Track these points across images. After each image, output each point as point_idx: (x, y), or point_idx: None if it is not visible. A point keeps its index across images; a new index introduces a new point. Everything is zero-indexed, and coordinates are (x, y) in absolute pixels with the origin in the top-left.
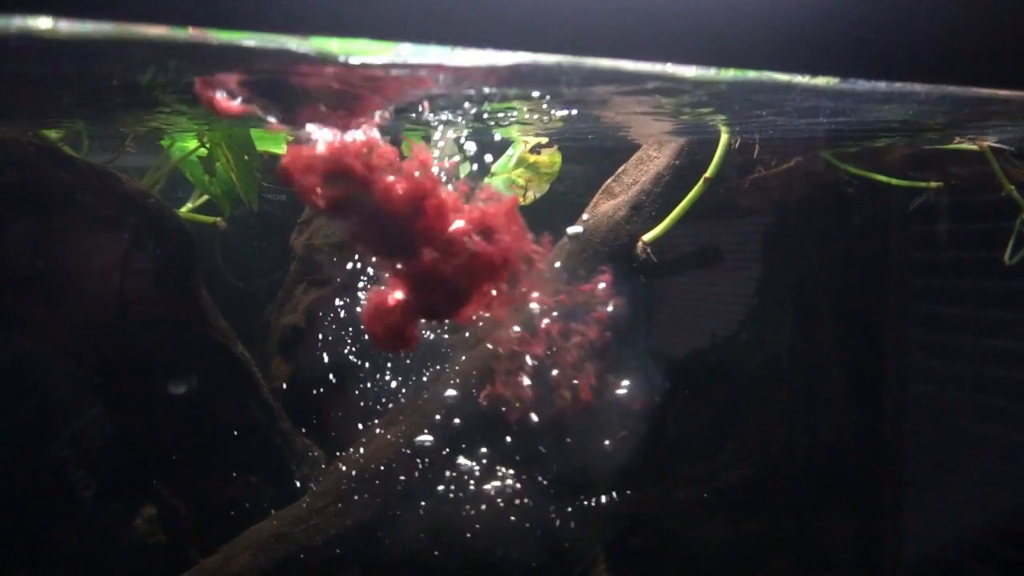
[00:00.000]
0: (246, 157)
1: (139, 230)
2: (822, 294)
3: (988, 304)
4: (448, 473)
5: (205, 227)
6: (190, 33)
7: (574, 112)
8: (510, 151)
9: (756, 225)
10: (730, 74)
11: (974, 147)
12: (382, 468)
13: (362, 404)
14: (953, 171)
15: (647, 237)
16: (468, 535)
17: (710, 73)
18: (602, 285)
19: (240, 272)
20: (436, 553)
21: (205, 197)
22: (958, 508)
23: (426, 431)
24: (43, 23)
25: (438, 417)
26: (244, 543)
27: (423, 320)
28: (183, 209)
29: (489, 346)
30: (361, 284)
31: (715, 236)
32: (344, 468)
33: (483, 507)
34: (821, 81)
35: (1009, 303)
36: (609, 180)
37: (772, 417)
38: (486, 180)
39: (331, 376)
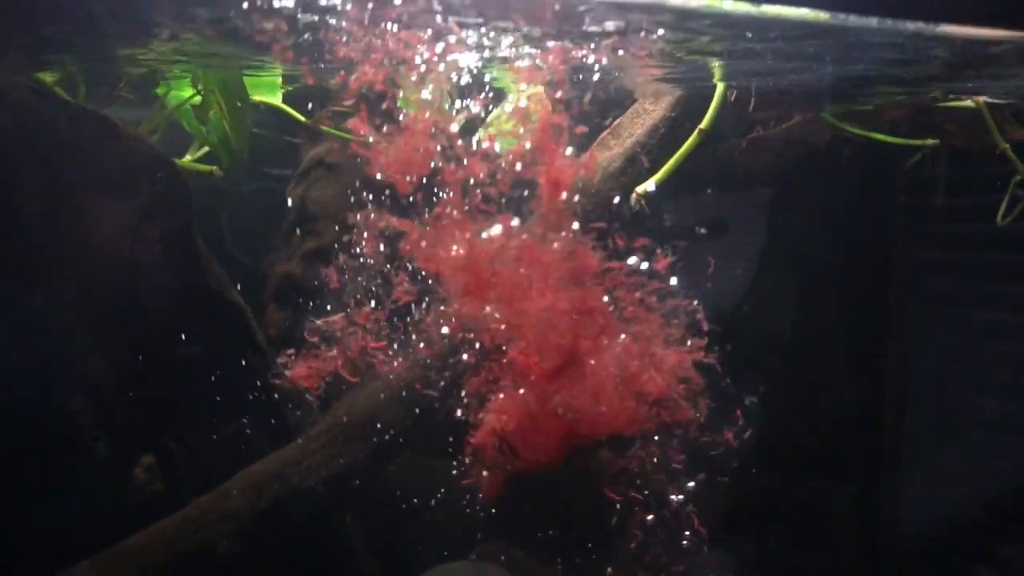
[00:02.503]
0: (238, 104)
1: (133, 174)
2: (824, 262)
3: (990, 277)
4: (443, 418)
5: (213, 204)
6: None
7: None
8: (505, 103)
9: (754, 189)
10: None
11: (970, 103)
12: (376, 412)
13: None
14: (949, 129)
15: (641, 189)
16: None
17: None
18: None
19: (248, 249)
20: (429, 497)
21: (205, 150)
22: (957, 481)
23: (421, 376)
24: None
25: (433, 362)
26: (238, 483)
27: None
28: (182, 160)
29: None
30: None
31: (713, 202)
32: (338, 412)
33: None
34: (811, 15)
35: (1013, 276)
36: (604, 133)
37: (773, 388)
38: (480, 132)
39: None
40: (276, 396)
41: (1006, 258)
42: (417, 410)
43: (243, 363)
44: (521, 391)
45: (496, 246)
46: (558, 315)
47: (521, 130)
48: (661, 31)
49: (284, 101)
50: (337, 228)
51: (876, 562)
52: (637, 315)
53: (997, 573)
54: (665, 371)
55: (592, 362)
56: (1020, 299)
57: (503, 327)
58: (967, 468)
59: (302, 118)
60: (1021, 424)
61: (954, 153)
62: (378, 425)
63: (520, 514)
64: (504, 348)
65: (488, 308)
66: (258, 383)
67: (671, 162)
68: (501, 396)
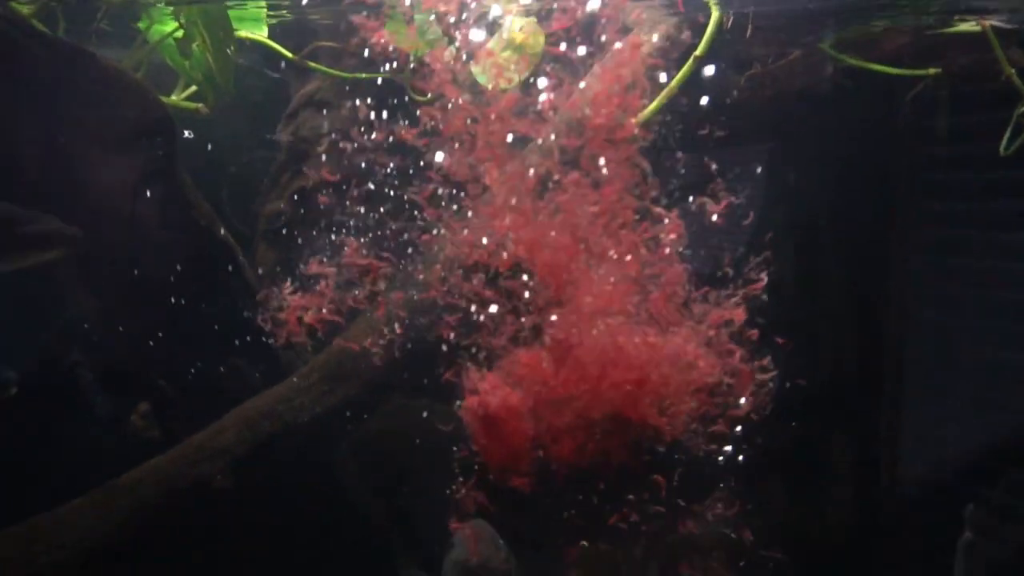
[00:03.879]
0: (221, 35)
1: (116, 108)
2: (826, 207)
3: (996, 225)
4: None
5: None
6: None
7: None
8: (497, 34)
9: (753, 128)
10: None
11: (975, 27)
12: (369, 350)
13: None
14: (953, 57)
15: (637, 118)
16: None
17: None
18: None
19: (245, 217)
20: (421, 436)
21: (192, 89)
22: (956, 429)
23: (413, 313)
24: None
25: (426, 300)
26: (231, 420)
27: None
28: (168, 98)
29: None
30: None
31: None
32: (331, 350)
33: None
34: None
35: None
36: (599, 63)
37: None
38: (473, 66)
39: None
40: (268, 335)
41: (1010, 205)
42: (406, 352)
43: (233, 301)
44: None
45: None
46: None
47: (513, 64)
48: None
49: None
50: (328, 167)
51: (875, 511)
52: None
53: (995, 520)
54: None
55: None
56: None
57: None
58: (967, 417)
59: (289, 55)
60: (1021, 373)
61: (958, 98)
62: (368, 365)
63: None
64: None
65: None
66: (249, 321)
67: (665, 91)
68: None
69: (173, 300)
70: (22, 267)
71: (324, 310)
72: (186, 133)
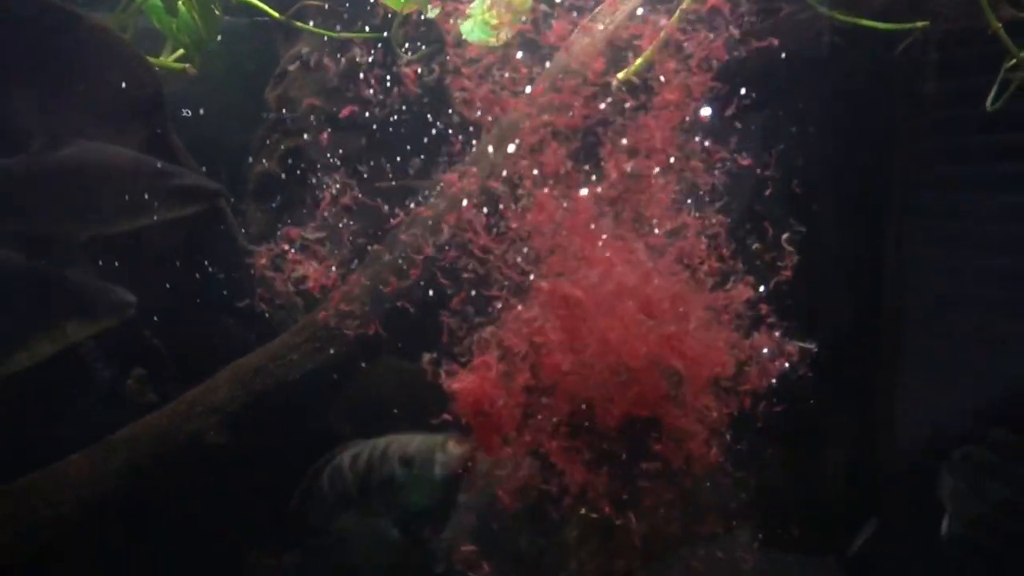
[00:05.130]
0: None
1: (101, 66)
2: (821, 171)
3: (993, 193)
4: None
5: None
6: None
7: None
8: None
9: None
10: None
11: None
12: (360, 309)
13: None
14: (938, 9)
15: (621, 75)
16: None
17: None
18: None
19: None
20: (411, 393)
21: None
22: (952, 396)
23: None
24: None
25: (412, 261)
26: (224, 377)
27: None
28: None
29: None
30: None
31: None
32: (323, 309)
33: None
34: None
35: (1015, 189)
36: (584, 19)
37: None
38: (460, 23)
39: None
40: (260, 294)
41: (1007, 168)
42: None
43: (224, 261)
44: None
45: None
46: None
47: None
48: None
49: None
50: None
51: (871, 479)
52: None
53: (981, 472)
54: None
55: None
56: (1019, 212)
57: None
58: (963, 384)
59: (276, 14)
60: (1018, 340)
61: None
62: (360, 322)
63: None
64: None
65: None
66: (240, 281)
67: (652, 46)
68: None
69: (158, 256)
70: (165, 220)
71: (315, 269)
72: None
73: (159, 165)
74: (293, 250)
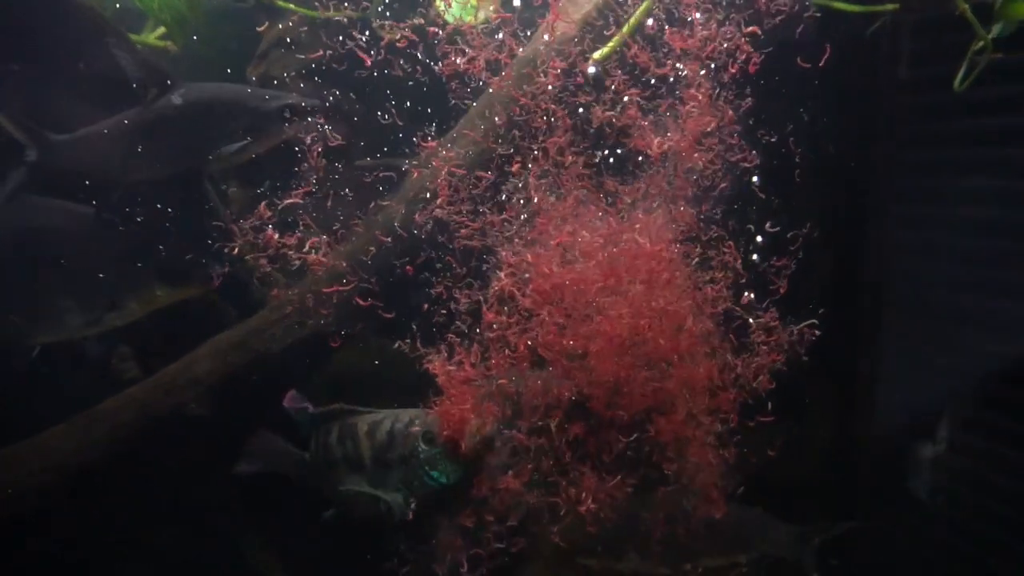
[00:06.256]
0: None
1: (82, 43)
2: (801, 154)
3: (970, 173)
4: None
5: None
6: None
7: None
8: None
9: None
10: None
11: None
12: (340, 284)
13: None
14: None
15: (597, 55)
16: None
17: None
18: None
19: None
20: (387, 370)
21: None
22: (933, 377)
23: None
24: None
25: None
26: (205, 351)
27: None
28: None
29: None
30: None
31: None
32: (303, 284)
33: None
34: None
35: (989, 172)
36: (562, 1)
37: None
38: (438, 2)
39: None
40: (241, 269)
41: (986, 153)
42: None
43: (206, 236)
44: None
45: None
46: None
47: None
48: None
49: None
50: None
51: (851, 457)
52: None
53: (969, 463)
54: None
55: None
56: (999, 195)
57: None
58: (943, 365)
59: None
60: (997, 320)
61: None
62: (339, 298)
63: None
64: None
65: None
66: (222, 256)
67: (625, 28)
68: None
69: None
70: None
71: (296, 245)
72: None
73: (261, 89)
74: (274, 227)
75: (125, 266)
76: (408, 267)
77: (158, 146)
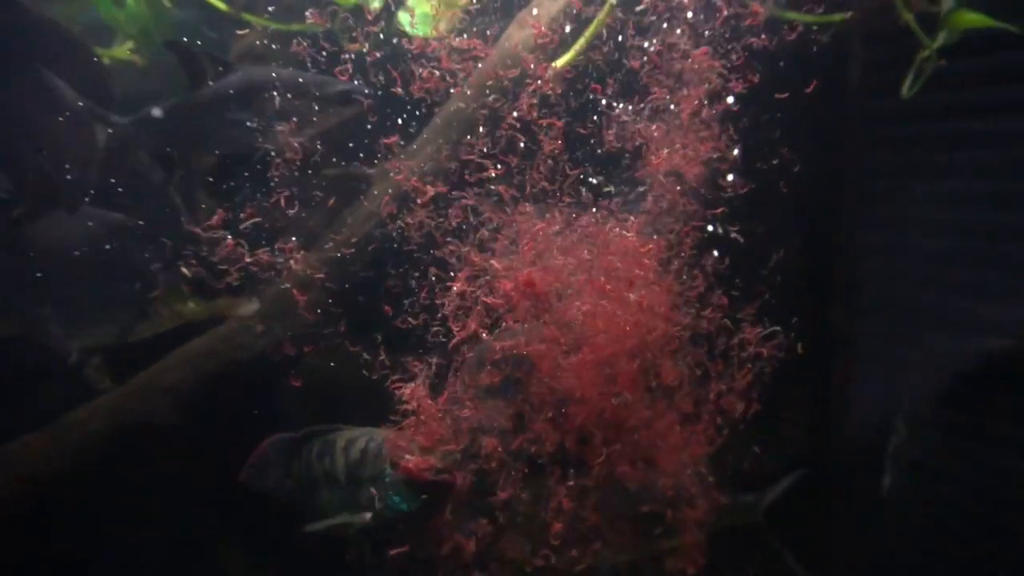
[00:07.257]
0: None
1: (48, 55)
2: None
3: (943, 176)
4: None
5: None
6: None
7: None
8: None
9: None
10: None
11: None
12: (308, 293)
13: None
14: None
15: (558, 63)
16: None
17: None
18: None
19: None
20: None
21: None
22: (906, 378)
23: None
24: None
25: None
26: (175, 359)
27: None
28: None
29: None
30: None
31: None
32: (271, 291)
33: None
34: None
35: (964, 174)
36: (522, 12)
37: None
38: (400, 15)
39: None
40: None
41: (959, 156)
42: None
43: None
44: None
45: None
46: None
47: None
48: None
49: None
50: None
51: (825, 457)
52: None
53: (944, 463)
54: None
55: None
56: (971, 196)
57: None
58: (916, 366)
59: (224, 6)
60: (972, 321)
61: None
62: (306, 305)
63: None
64: None
65: None
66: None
67: (582, 39)
68: None
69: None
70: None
71: (264, 253)
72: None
73: (315, 74)
74: (242, 236)
75: (160, 276)
76: (378, 273)
77: (215, 128)
